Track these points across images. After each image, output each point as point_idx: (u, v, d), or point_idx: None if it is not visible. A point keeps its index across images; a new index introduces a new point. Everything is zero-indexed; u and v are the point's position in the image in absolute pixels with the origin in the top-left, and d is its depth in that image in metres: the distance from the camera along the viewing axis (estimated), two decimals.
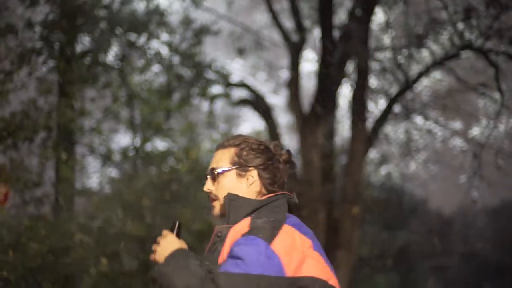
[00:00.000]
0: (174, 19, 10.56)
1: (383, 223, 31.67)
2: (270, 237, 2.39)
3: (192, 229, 9.53)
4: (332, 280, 2.60)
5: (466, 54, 10.29)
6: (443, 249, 44.72)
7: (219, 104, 11.46)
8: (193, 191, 9.39)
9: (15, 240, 8.43)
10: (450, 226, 49.12)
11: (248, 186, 2.66)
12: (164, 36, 10.30)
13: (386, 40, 10.64)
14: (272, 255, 2.36)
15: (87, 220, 8.34)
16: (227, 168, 2.67)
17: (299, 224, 2.57)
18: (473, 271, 45.45)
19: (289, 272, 2.36)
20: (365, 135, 9.07)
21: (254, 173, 2.65)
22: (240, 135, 2.75)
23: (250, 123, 12.01)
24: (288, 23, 10.81)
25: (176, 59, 10.37)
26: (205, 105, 11.25)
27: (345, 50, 9.88)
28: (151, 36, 10.21)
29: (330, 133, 9.24)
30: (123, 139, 11.01)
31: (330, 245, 8.73)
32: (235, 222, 2.51)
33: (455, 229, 50.49)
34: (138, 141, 10.32)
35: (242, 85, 10.71)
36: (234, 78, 11.02)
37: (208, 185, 2.70)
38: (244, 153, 2.68)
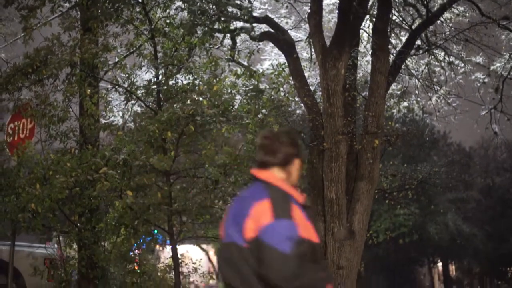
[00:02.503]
0: None
1: (404, 156, 31.75)
2: None
3: (217, 162, 9.67)
4: (221, 229, 3.63)
5: None
6: (463, 182, 44.81)
7: (241, 39, 11.43)
8: (216, 125, 9.48)
9: (42, 173, 8.61)
10: (470, 159, 49.19)
11: None
12: None
13: None
14: None
15: (112, 153, 8.46)
16: None
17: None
18: (493, 204, 45.65)
19: None
20: (387, 68, 9.06)
21: None
22: None
23: (272, 57, 11.90)
24: None
25: None
26: (227, 40, 11.25)
27: None
28: None
29: (352, 66, 9.24)
30: (146, 74, 11.04)
31: (351, 177, 8.85)
32: None
33: (475, 163, 50.50)
34: (161, 76, 10.36)
35: (264, 19, 10.68)
36: (256, 13, 10.97)
37: None
38: None
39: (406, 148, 31.47)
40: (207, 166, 9.69)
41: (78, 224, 9.67)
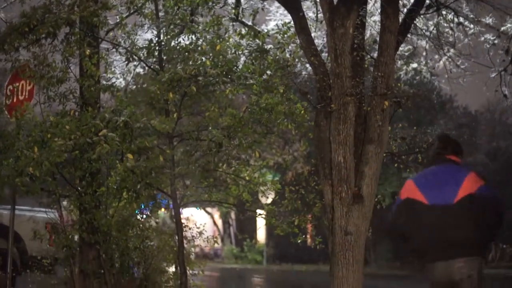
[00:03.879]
0: None
1: (410, 119, 31.43)
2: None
3: (221, 125, 9.42)
4: (417, 195, 5.55)
5: None
6: (470, 145, 44.52)
7: None
8: (220, 86, 9.21)
9: (41, 136, 8.37)
10: (477, 122, 48.89)
11: None
12: None
13: None
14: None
15: (112, 115, 8.19)
16: None
17: (417, 176, 5.84)
18: (499, 167, 45.39)
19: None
20: (397, 27, 8.73)
21: None
22: None
23: (278, 17, 11.59)
24: None
25: None
26: None
27: None
28: None
29: (361, 25, 8.90)
30: (147, 34, 10.74)
31: (359, 140, 8.58)
32: None
33: (482, 126, 50.22)
34: (162, 36, 10.06)
35: None
36: None
37: None
38: None
39: (413, 110, 31.13)
40: (210, 128, 9.43)
41: (79, 188, 9.44)
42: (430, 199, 5.39)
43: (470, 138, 47.06)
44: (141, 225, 10.02)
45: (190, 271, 10.71)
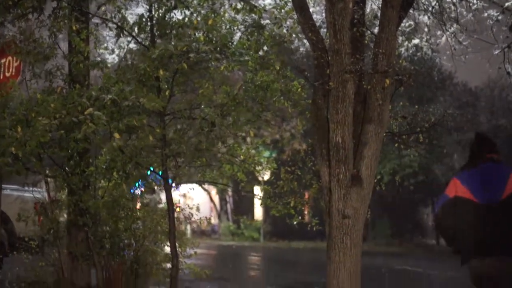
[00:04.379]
0: None
1: (410, 97, 31.09)
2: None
3: (215, 103, 9.09)
4: (466, 194, 5.61)
5: None
6: (470, 123, 44.16)
7: None
8: (212, 62, 8.83)
9: (25, 115, 8.01)
10: (477, 99, 48.43)
11: None
12: None
13: None
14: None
15: (99, 93, 7.82)
16: None
17: (461, 174, 5.79)
18: (499, 144, 45.00)
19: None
20: (399, 2, 8.33)
21: None
22: None
23: None
24: None
25: None
26: None
27: None
28: None
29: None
30: (139, 9, 10.35)
31: (358, 119, 8.21)
32: None
33: (482, 103, 49.79)
34: (154, 11, 9.66)
35: None
36: None
37: None
38: None
39: (414, 88, 30.74)
40: (203, 106, 9.07)
41: (66, 168, 9.11)
42: (480, 198, 5.56)
43: (472, 116, 46.90)
44: (131, 206, 9.70)
45: (183, 252, 10.44)
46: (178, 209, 10.17)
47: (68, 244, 9.60)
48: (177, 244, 9.47)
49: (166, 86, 9.19)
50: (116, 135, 7.52)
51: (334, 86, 7.97)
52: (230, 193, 39.31)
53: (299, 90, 9.13)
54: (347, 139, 7.89)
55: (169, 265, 9.70)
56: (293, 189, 10.03)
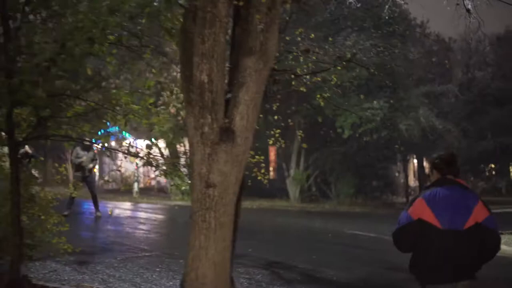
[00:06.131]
0: None
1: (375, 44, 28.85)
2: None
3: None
4: (430, 218, 5.53)
5: None
6: (440, 75, 42.14)
7: None
8: None
9: None
10: (450, 50, 46.45)
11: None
12: None
13: None
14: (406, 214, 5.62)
15: None
16: None
17: (428, 195, 5.61)
18: (473, 99, 43.09)
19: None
20: None
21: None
22: None
23: None
24: None
25: None
26: None
27: None
28: None
29: None
30: None
31: (233, 51, 5.99)
32: None
33: (457, 56, 47.82)
34: None
35: None
36: None
37: None
38: None
39: (377, 34, 28.49)
40: None
41: None
42: (443, 223, 5.52)
43: (444, 67, 44.91)
44: None
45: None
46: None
47: None
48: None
49: None
50: None
51: (201, 5, 5.74)
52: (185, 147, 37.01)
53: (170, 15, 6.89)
54: (216, 77, 5.69)
55: None
56: None
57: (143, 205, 26.73)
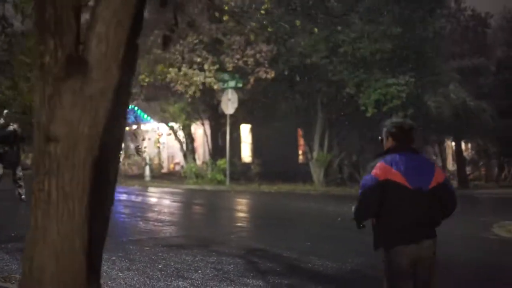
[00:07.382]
0: None
1: (395, 17, 26.90)
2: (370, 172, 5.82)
3: None
4: (398, 178, 5.72)
5: None
6: (477, 53, 39.75)
7: None
8: None
9: None
10: (487, 27, 44.19)
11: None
12: None
13: None
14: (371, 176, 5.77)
15: None
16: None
17: (389, 159, 5.81)
18: (509, 77, 40.56)
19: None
20: None
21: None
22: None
23: None
24: None
25: None
26: None
27: None
28: None
29: None
30: None
31: None
32: None
33: (494, 32, 45.50)
34: None
35: None
36: None
37: None
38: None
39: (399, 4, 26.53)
40: None
41: None
42: (411, 183, 5.75)
43: (480, 44, 42.57)
44: None
45: None
46: None
47: None
48: None
49: None
50: None
51: None
52: (208, 131, 35.65)
53: None
54: None
55: None
56: None
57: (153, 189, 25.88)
